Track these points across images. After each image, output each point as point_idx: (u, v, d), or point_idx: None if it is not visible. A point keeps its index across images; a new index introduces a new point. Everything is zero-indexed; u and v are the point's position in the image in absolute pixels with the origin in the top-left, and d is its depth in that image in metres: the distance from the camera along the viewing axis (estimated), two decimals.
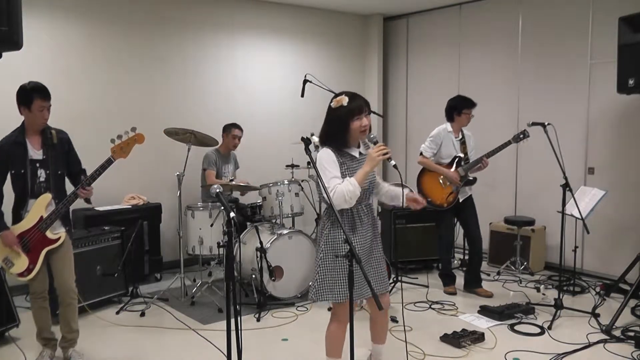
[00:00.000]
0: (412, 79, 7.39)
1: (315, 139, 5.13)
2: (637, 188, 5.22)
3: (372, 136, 2.82)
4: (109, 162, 3.32)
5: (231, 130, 5.56)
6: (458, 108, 4.86)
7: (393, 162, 2.74)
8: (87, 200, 3.43)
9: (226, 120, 5.73)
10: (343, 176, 2.77)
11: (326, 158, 2.78)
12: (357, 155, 2.88)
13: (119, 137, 3.33)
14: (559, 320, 4.27)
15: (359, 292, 2.82)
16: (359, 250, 2.84)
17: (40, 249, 3.35)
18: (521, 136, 4.69)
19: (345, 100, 2.77)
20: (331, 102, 2.84)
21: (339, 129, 2.80)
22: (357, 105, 2.77)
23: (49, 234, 3.35)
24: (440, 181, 4.86)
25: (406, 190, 3.01)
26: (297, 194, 5.19)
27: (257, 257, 4.58)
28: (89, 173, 3.37)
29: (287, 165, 5.86)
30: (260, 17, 6.56)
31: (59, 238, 3.39)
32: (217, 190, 2.72)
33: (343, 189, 2.68)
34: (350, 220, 2.86)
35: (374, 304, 2.96)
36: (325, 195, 2.63)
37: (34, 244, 3.34)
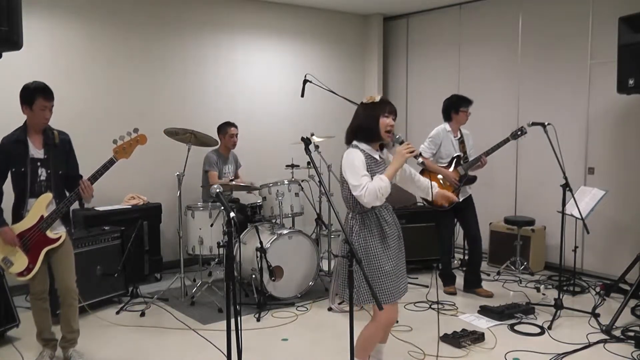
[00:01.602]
0: (412, 79, 7.39)
1: (316, 138, 5.17)
2: (637, 188, 5.22)
3: (397, 136, 2.91)
4: (111, 163, 3.33)
5: (227, 129, 5.56)
6: (455, 106, 4.86)
7: (421, 160, 2.85)
8: (81, 204, 3.42)
9: (226, 120, 5.73)
10: None
11: (355, 158, 2.83)
12: (377, 157, 2.93)
13: (121, 137, 3.34)
14: (559, 320, 4.27)
15: (396, 290, 2.91)
16: (390, 249, 2.91)
17: (41, 249, 3.34)
18: (519, 133, 4.69)
19: (377, 97, 2.94)
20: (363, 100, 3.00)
21: (370, 122, 2.88)
22: (388, 104, 2.92)
23: (49, 233, 3.35)
24: (440, 181, 4.86)
25: (435, 186, 3.13)
26: (297, 194, 5.19)
27: (257, 257, 4.57)
28: (90, 173, 3.36)
29: (287, 165, 5.86)
30: (260, 17, 6.56)
31: (59, 237, 3.39)
32: (217, 190, 2.72)
33: (375, 186, 2.74)
34: (376, 223, 2.91)
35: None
36: (351, 194, 2.80)
37: (34, 244, 3.34)
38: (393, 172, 2.81)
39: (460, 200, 4.88)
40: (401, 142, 2.88)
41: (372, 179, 2.79)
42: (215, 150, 5.57)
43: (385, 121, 2.87)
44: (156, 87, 5.85)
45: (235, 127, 5.60)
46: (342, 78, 7.16)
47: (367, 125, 2.90)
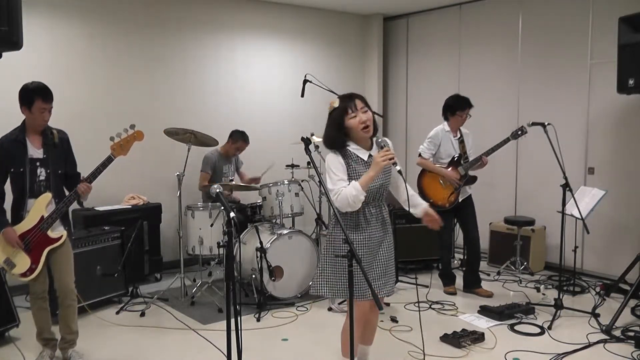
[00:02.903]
0: (412, 79, 7.39)
1: (316, 138, 5.17)
2: (637, 188, 5.22)
3: (380, 140, 2.81)
4: (109, 160, 3.33)
5: (238, 141, 5.54)
6: (451, 109, 4.86)
7: (398, 168, 2.74)
8: (80, 203, 3.41)
9: (226, 120, 5.73)
10: (350, 179, 2.78)
11: (332, 161, 2.81)
12: (366, 157, 2.86)
13: (118, 134, 3.34)
14: (559, 320, 4.27)
15: (366, 289, 2.83)
16: (362, 249, 2.84)
17: (42, 249, 3.34)
18: (519, 132, 4.68)
19: (336, 102, 2.82)
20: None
21: (336, 131, 2.83)
22: (348, 102, 2.80)
23: (50, 233, 3.35)
24: (441, 181, 4.86)
25: (427, 205, 3.02)
26: (297, 194, 5.19)
27: (257, 257, 4.58)
28: (89, 172, 3.36)
29: (287, 165, 5.86)
30: (260, 17, 6.56)
31: (60, 237, 3.39)
32: (217, 190, 2.72)
33: (347, 193, 2.70)
34: (354, 220, 2.86)
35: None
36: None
37: (35, 244, 3.33)
38: (368, 180, 2.73)
39: (460, 200, 4.89)
40: (382, 147, 2.77)
41: (354, 181, 2.74)
42: (216, 150, 5.56)
43: (354, 122, 2.78)
44: (156, 87, 5.85)
45: (247, 142, 5.58)
46: (342, 78, 7.16)
47: (336, 134, 2.82)
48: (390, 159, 2.70)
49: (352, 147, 2.85)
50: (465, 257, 5.19)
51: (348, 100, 2.80)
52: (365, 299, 2.85)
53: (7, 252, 3.34)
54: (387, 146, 2.77)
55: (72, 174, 3.53)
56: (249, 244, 4.91)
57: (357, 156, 2.84)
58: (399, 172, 2.75)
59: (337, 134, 2.82)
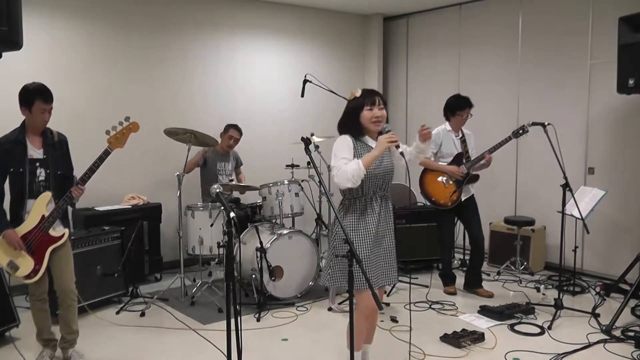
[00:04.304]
0: (412, 79, 7.39)
1: (316, 138, 5.17)
2: (637, 188, 5.22)
3: (384, 126, 2.93)
4: (106, 154, 3.32)
5: (228, 130, 5.57)
6: (451, 109, 4.87)
7: (401, 150, 2.86)
8: (72, 204, 3.40)
9: (226, 120, 5.74)
10: None
11: (342, 142, 2.92)
12: (373, 146, 2.95)
13: (114, 128, 3.34)
14: (559, 320, 4.27)
15: (374, 281, 2.90)
16: (366, 236, 2.92)
17: (45, 249, 3.34)
18: (520, 131, 4.67)
19: (359, 92, 2.95)
20: None
21: (351, 118, 2.96)
22: (369, 96, 2.92)
23: (52, 232, 3.35)
24: (442, 180, 4.86)
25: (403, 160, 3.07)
26: (297, 194, 5.19)
27: (257, 257, 4.57)
28: (87, 168, 3.35)
29: (287, 165, 5.86)
30: (260, 17, 6.56)
31: (62, 235, 3.39)
32: (217, 190, 2.73)
33: (348, 168, 2.79)
34: (361, 206, 2.95)
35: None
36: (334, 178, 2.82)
37: (38, 244, 3.32)
38: (371, 159, 2.82)
39: (463, 199, 4.89)
40: (387, 132, 2.89)
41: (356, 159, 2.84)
42: (212, 148, 5.55)
43: (367, 114, 2.90)
44: (156, 87, 5.85)
45: (239, 131, 5.59)
46: (342, 78, 7.16)
47: (350, 123, 2.97)
48: (393, 142, 2.80)
49: (361, 137, 2.97)
50: (469, 256, 5.18)
51: (369, 95, 2.93)
52: (359, 289, 2.87)
53: (9, 254, 3.32)
54: (391, 132, 2.88)
55: (68, 175, 3.53)
56: (249, 244, 4.91)
57: (367, 145, 2.96)
58: (401, 153, 2.87)
59: (352, 121, 2.95)
